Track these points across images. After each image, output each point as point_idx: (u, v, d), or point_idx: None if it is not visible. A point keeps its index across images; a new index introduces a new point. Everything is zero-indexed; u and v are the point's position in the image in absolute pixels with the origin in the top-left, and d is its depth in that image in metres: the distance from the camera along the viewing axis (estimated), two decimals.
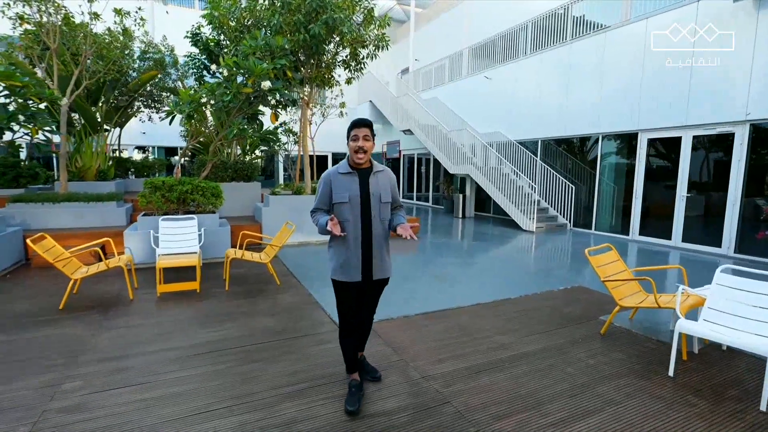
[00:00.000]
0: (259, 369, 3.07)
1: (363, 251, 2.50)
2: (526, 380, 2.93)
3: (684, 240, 8.13)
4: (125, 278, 4.83)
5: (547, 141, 11.28)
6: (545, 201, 11.30)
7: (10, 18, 6.96)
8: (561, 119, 10.63)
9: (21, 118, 5.31)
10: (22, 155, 10.48)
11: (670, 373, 2.99)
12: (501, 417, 2.49)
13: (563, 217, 10.81)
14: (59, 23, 7.02)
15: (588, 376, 2.99)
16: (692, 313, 3.43)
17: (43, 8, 6.81)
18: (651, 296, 3.77)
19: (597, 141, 9.85)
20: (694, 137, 7.90)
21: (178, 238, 5.66)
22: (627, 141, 9.21)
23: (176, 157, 18.72)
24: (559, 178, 10.76)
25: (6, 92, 5.75)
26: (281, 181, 20.11)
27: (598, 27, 9.88)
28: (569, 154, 10.78)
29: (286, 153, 13.36)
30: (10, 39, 7.48)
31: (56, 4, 6.94)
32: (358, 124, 2.47)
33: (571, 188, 10.50)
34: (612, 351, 3.42)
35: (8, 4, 6.72)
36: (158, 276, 4.79)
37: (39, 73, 7.85)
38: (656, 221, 8.71)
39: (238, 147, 10.77)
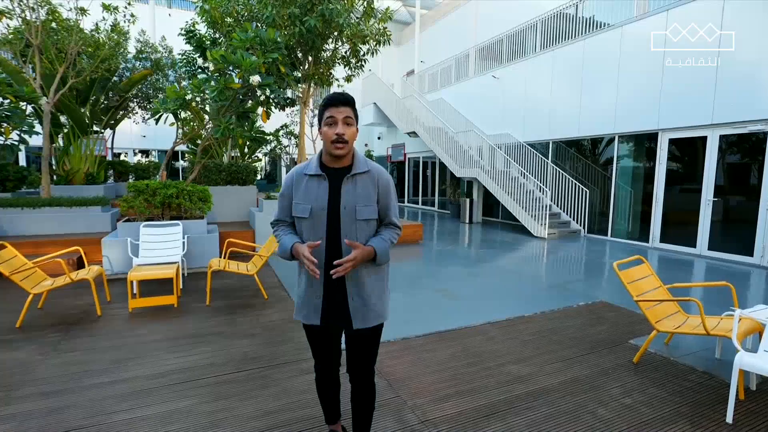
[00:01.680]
0: (229, 408, 2.56)
1: (327, 288, 1.76)
2: (549, 428, 2.38)
3: (710, 248, 7.50)
4: (103, 290, 4.36)
5: (559, 143, 10.71)
6: (557, 206, 10.71)
7: None
8: (574, 119, 10.06)
9: None
10: (21, 158, 10.17)
11: (728, 419, 2.42)
12: None
13: (576, 222, 10.21)
14: (42, 18, 6.65)
15: (626, 422, 2.43)
16: (743, 341, 2.87)
17: (25, 2, 6.44)
18: (693, 318, 3.21)
19: (612, 142, 9.27)
20: (721, 137, 7.30)
21: (160, 246, 5.20)
22: (645, 142, 8.62)
23: (181, 161, 18.45)
24: (572, 182, 10.17)
25: None
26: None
27: (609, 25, 9.32)
28: (582, 157, 10.20)
29: (290, 156, 12.94)
30: None
31: None
32: (336, 100, 1.67)
33: (585, 192, 9.91)
34: (650, 386, 2.86)
35: None
36: (130, 289, 4.31)
37: (28, 71, 7.49)
38: (679, 228, 8.08)
39: (236, 149, 10.36)
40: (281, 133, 13.96)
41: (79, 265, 5.80)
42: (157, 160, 17.61)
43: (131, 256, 5.06)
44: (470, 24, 14.56)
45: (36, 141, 8.24)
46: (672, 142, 8.10)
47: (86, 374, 2.97)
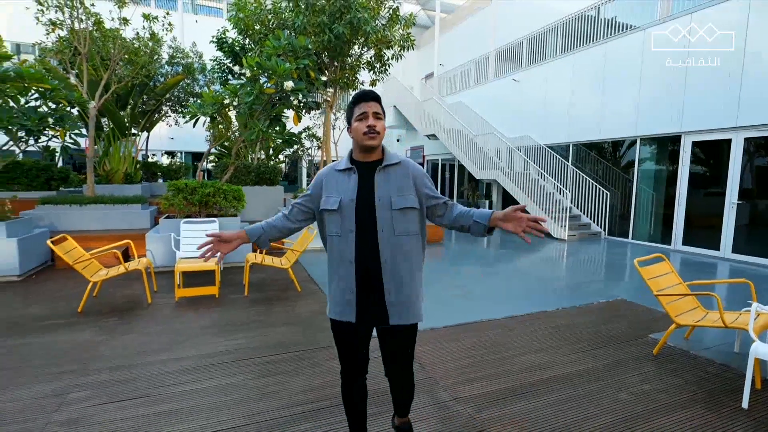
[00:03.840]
0: (276, 383, 2.84)
1: (360, 282, 1.75)
2: (570, 407, 2.58)
3: (734, 251, 7.47)
4: (151, 280, 4.73)
5: (580, 145, 10.76)
6: (577, 208, 10.75)
7: (44, 24, 7.14)
8: (594, 122, 10.11)
9: (50, 120, 5.34)
10: (60, 159, 10.80)
11: (744, 404, 2.57)
12: None
13: (597, 225, 10.24)
14: (90, 29, 7.15)
15: (644, 405, 2.61)
16: (761, 335, 2.99)
17: (75, 14, 6.95)
18: (712, 314, 3.34)
19: (634, 145, 9.29)
20: (746, 139, 7.29)
21: (199, 241, 5.56)
22: (668, 144, 8.63)
23: (204, 163, 19.12)
24: (593, 184, 10.21)
25: (36, 95, 5.82)
26: (304, 186, 20.15)
27: (631, 27, 9.36)
28: (603, 159, 10.23)
29: (310, 158, 13.31)
30: (43, 45, 7.68)
31: (87, 10, 7.07)
32: (365, 96, 1.71)
33: (606, 195, 9.94)
34: (668, 375, 3.02)
35: (42, 11, 6.89)
36: (176, 280, 4.67)
37: (72, 78, 8.03)
38: (702, 230, 8.07)
39: (262, 151, 10.77)
40: (304, 135, 14.37)
41: (125, 258, 6.22)
42: (183, 161, 18.28)
43: (174, 250, 5.43)
44: (490, 27, 14.68)
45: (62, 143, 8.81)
46: (695, 144, 8.10)
47: (146, 353, 3.31)
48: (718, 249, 7.70)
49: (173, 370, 3.02)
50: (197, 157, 19.33)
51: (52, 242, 4.14)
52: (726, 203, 7.55)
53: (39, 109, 5.41)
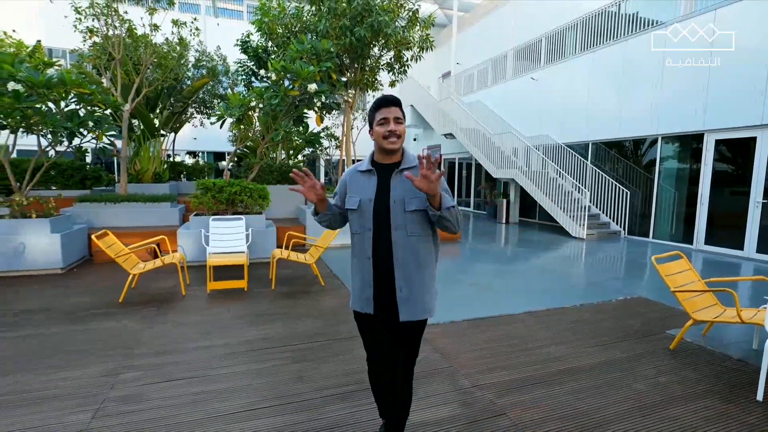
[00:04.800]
0: (306, 369, 3.04)
1: (377, 278, 1.87)
2: (588, 396, 2.70)
3: (759, 251, 7.37)
4: (179, 275, 5.02)
5: (599, 144, 10.70)
6: (596, 207, 10.69)
7: (81, 32, 7.55)
8: (614, 121, 10.05)
9: (90, 123, 5.69)
10: (87, 159, 11.34)
11: (759, 396, 2.65)
12: None
13: (616, 224, 10.17)
14: (124, 35, 7.52)
15: (659, 396, 2.71)
16: None
17: (110, 22, 7.33)
18: (730, 310, 3.39)
19: (655, 143, 9.21)
20: None
21: (227, 238, 5.83)
22: (690, 142, 8.53)
23: (224, 162, 19.61)
24: (612, 183, 10.15)
25: (74, 99, 6.17)
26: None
27: (654, 23, 9.26)
28: (623, 158, 10.15)
29: (327, 158, 13.56)
30: (80, 51, 8.11)
31: (121, 18, 7.45)
32: (386, 102, 1.80)
33: (626, 194, 9.87)
34: (685, 369, 3.10)
35: (80, 19, 7.29)
36: (209, 273, 4.93)
37: (105, 82, 8.44)
38: (725, 230, 7.97)
39: (283, 151, 11.06)
40: (322, 135, 14.64)
41: (154, 254, 6.56)
42: (205, 161, 18.81)
43: (205, 245, 5.72)
44: (508, 26, 14.65)
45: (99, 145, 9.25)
46: (719, 143, 7.99)
47: (185, 340, 3.56)
48: (741, 249, 7.60)
49: (212, 355, 3.25)
50: (218, 156, 19.86)
51: (96, 237, 4.45)
52: (750, 202, 7.44)
53: (79, 112, 5.74)
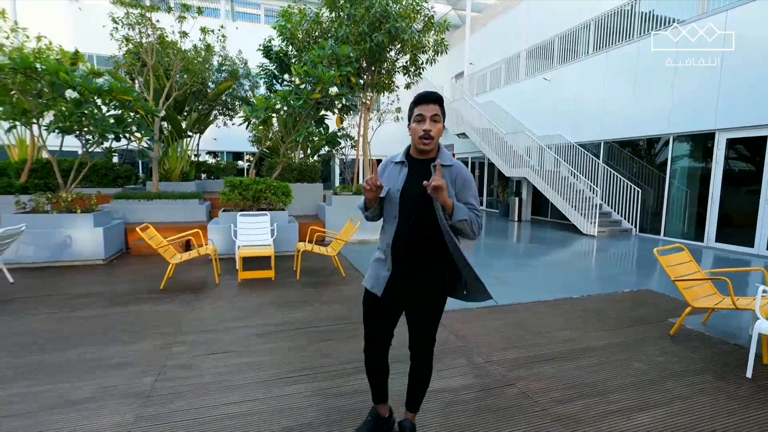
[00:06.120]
0: (332, 347, 3.39)
1: (396, 264, 1.92)
2: (592, 371, 2.98)
3: None
4: (212, 265, 5.44)
5: (611, 143, 10.83)
6: (608, 205, 10.83)
7: (117, 40, 8.06)
8: (626, 120, 10.18)
9: (134, 128, 6.16)
10: (114, 159, 11.92)
11: (748, 374, 2.90)
12: (566, 401, 2.59)
13: (628, 222, 10.30)
14: (156, 43, 8.01)
15: (657, 372, 2.98)
16: None
17: (144, 30, 7.82)
18: (728, 299, 3.62)
19: (667, 142, 9.32)
20: None
21: (254, 232, 6.23)
22: (702, 142, 8.64)
23: (240, 162, 20.19)
24: (624, 182, 10.28)
25: (115, 104, 6.65)
26: (337, 184, 20.87)
27: (668, 22, 9.37)
28: (635, 156, 10.28)
29: (342, 157, 13.93)
30: (116, 58, 8.64)
31: (154, 26, 7.94)
32: (426, 98, 1.83)
33: (637, 192, 10.00)
34: (683, 351, 3.35)
35: (116, 28, 7.80)
36: (239, 264, 5.33)
37: (137, 87, 8.96)
38: (735, 227, 8.07)
39: (301, 150, 11.47)
40: (339, 135, 15.02)
41: (186, 247, 7.02)
42: (223, 160, 19.39)
43: (234, 239, 6.13)
44: (521, 26, 14.81)
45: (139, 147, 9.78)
46: (730, 141, 8.10)
47: (223, 320, 3.94)
48: (752, 246, 7.70)
49: (248, 334, 3.63)
50: (236, 156, 20.43)
51: (140, 230, 4.88)
52: (761, 200, 7.54)
53: (123, 117, 6.21)
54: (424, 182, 1.71)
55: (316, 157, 14.45)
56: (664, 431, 2.29)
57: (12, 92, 5.82)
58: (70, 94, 5.32)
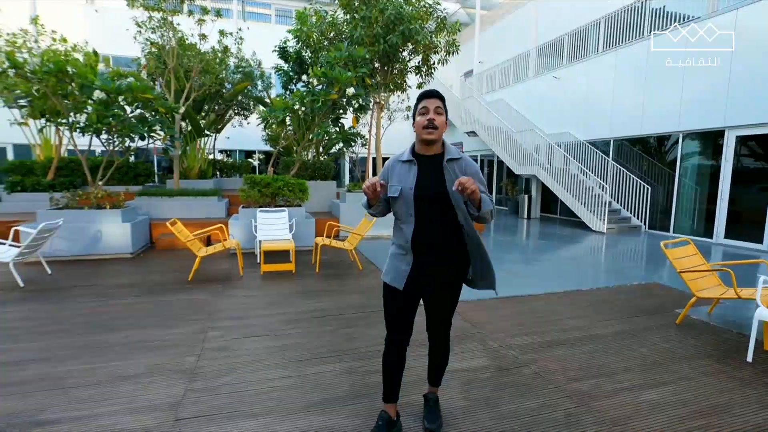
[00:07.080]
0: (357, 332, 3.63)
1: (416, 258, 2.01)
2: (600, 355, 3.19)
3: None
4: (236, 259, 5.70)
5: (620, 141, 10.93)
6: (617, 202, 10.94)
7: (139, 43, 8.37)
8: (636, 118, 10.28)
9: (157, 127, 6.45)
10: (131, 158, 12.28)
11: (749, 358, 3.08)
12: (576, 380, 2.80)
13: (637, 218, 10.41)
14: (176, 45, 8.31)
15: (662, 356, 3.17)
16: None
17: (165, 33, 8.12)
18: (732, 290, 3.79)
19: (677, 140, 9.42)
20: None
21: (274, 227, 6.50)
22: (711, 139, 8.73)
23: (249, 159, 20.56)
24: (633, 179, 10.39)
25: (137, 103, 6.95)
26: (347, 181, 21.14)
27: (679, 19, 9.45)
28: (645, 154, 10.37)
29: (352, 155, 14.14)
30: (138, 60, 8.96)
31: (175, 30, 8.23)
32: (429, 94, 1.95)
33: (647, 189, 10.10)
34: (688, 338, 3.54)
35: (140, 32, 8.11)
36: (261, 257, 5.60)
37: (157, 87, 9.28)
38: (744, 224, 8.17)
39: (314, 149, 11.74)
40: (351, 134, 15.27)
41: (207, 242, 7.31)
42: (235, 159, 19.75)
43: (255, 234, 6.40)
44: (530, 24, 14.91)
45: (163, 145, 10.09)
46: (739, 139, 8.18)
47: (252, 308, 4.21)
48: (761, 242, 7.80)
49: (277, 320, 3.88)
50: (248, 154, 20.78)
51: (169, 224, 5.16)
52: None
53: (147, 117, 6.50)
54: (455, 187, 1.74)
55: (327, 156, 14.72)
56: (670, 404, 2.50)
57: (43, 93, 6.12)
58: (98, 94, 5.61)
